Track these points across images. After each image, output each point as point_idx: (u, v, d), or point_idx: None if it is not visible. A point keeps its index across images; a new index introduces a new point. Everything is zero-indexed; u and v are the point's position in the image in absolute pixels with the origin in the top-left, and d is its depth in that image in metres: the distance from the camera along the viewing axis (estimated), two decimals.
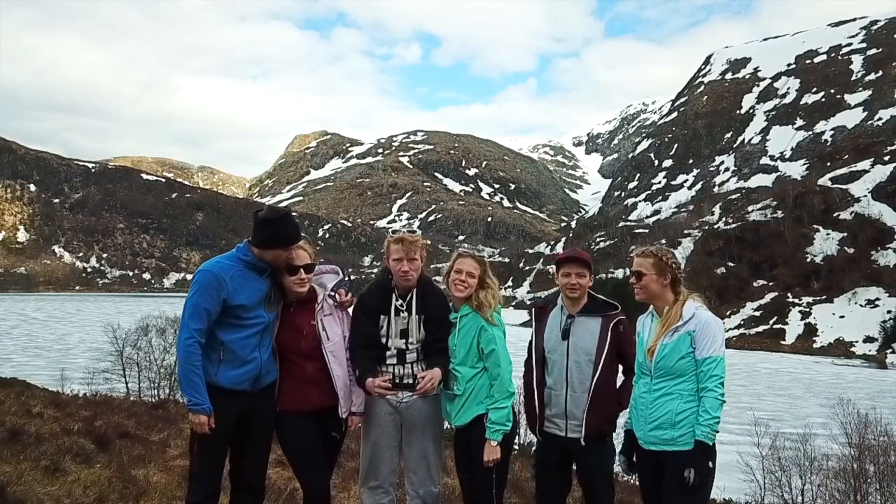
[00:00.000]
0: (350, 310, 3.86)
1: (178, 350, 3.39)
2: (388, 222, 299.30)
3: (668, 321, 3.47)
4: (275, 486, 5.38)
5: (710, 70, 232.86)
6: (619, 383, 3.90)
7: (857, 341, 77.23)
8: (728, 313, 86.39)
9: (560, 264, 3.88)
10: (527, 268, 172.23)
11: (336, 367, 3.66)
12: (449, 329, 3.77)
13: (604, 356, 3.68)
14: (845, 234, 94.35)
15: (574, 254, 3.88)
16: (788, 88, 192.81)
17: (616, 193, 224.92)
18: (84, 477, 4.84)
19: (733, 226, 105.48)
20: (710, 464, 3.29)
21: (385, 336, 3.72)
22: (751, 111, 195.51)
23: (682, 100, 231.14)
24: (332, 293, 3.78)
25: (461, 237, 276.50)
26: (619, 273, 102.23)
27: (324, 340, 3.65)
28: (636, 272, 3.58)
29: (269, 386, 3.61)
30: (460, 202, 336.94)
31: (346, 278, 3.88)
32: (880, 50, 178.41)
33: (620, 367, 3.87)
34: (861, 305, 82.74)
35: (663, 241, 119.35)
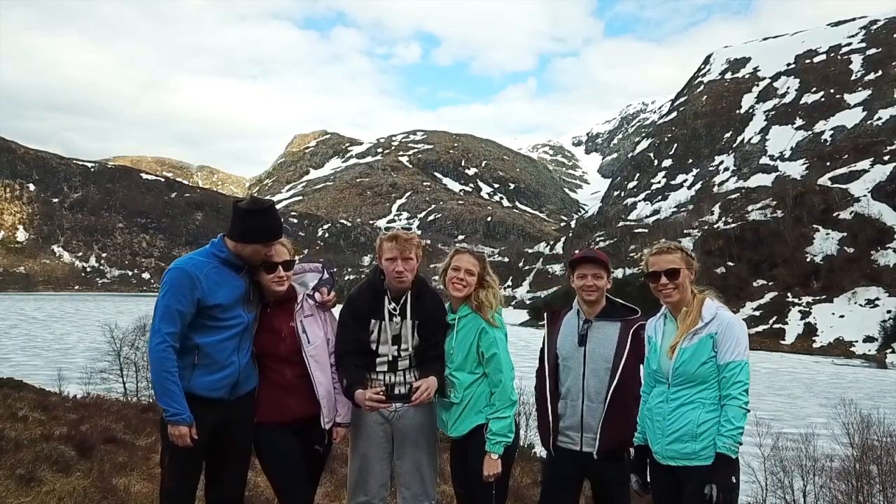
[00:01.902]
0: (334, 311, 3.58)
1: (150, 357, 3.10)
2: (388, 222, 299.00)
3: (687, 323, 3.14)
4: (262, 495, 5.18)
5: (709, 70, 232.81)
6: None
7: (856, 341, 77.18)
8: None
9: (575, 265, 3.55)
10: (526, 267, 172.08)
11: (318, 373, 3.37)
12: (445, 334, 3.48)
13: (622, 364, 3.38)
14: (845, 234, 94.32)
15: (590, 253, 3.54)
16: (788, 88, 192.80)
17: (615, 193, 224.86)
18: (60, 487, 4.60)
19: (733, 225, 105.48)
20: (734, 479, 2.98)
21: (375, 342, 3.42)
22: (750, 111, 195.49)
23: (682, 99, 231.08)
24: (312, 292, 3.49)
25: (461, 237, 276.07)
26: (619, 272, 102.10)
27: (304, 344, 3.36)
28: (671, 270, 3.21)
29: (248, 394, 3.32)
30: (460, 202, 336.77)
31: (330, 276, 3.58)
32: (880, 50, 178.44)
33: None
34: (861, 305, 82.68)
35: (663, 239, 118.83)
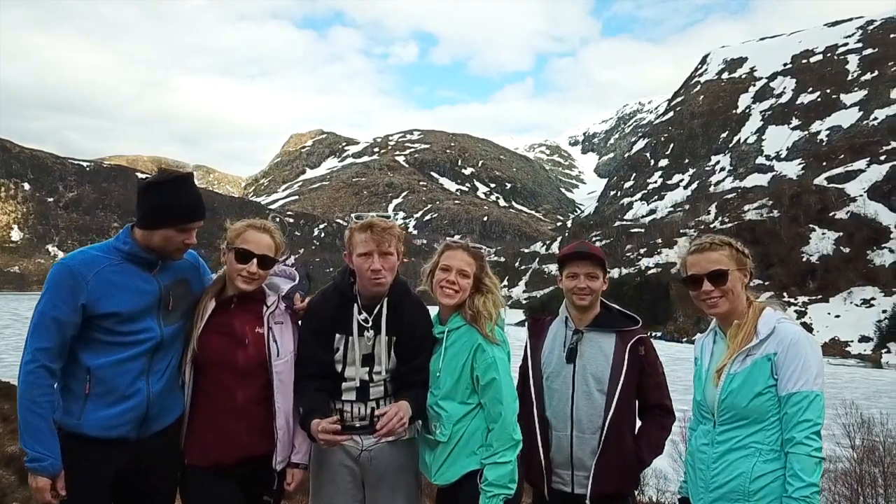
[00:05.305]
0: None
1: (18, 380, 2.35)
2: None
3: (738, 340, 2.42)
4: None
5: (706, 69, 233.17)
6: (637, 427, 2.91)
7: (852, 341, 77.38)
8: None
9: (565, 262, 2.87)
10: (522, 267, 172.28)
11: (279, 396, 2.63)
12: (430, 353, 2.75)
13: (619, 386, 2.73)
14: (841, 234, 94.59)
15: (583, 248, 2.85)
16: (784, 88, 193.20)
17: (612, 193, 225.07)
18: None
19: (729, 225, 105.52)
20: None
21: (342, 362, 2.69)
22: (747, 111, 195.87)
23: (679, 99, 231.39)
24: (291, 294, 2.80)
25: (457, 237, 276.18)
26: (615, 272, 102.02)
27: (273, 355, 2.63)
28: (717, 272, 2.46)
29: (165, 430, 2.56)
30: (456, 201, 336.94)
31: (307, 280, 2.90)
32: (876, 50, 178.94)
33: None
34: (856, 305, 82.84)
35: (659, 240, 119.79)
